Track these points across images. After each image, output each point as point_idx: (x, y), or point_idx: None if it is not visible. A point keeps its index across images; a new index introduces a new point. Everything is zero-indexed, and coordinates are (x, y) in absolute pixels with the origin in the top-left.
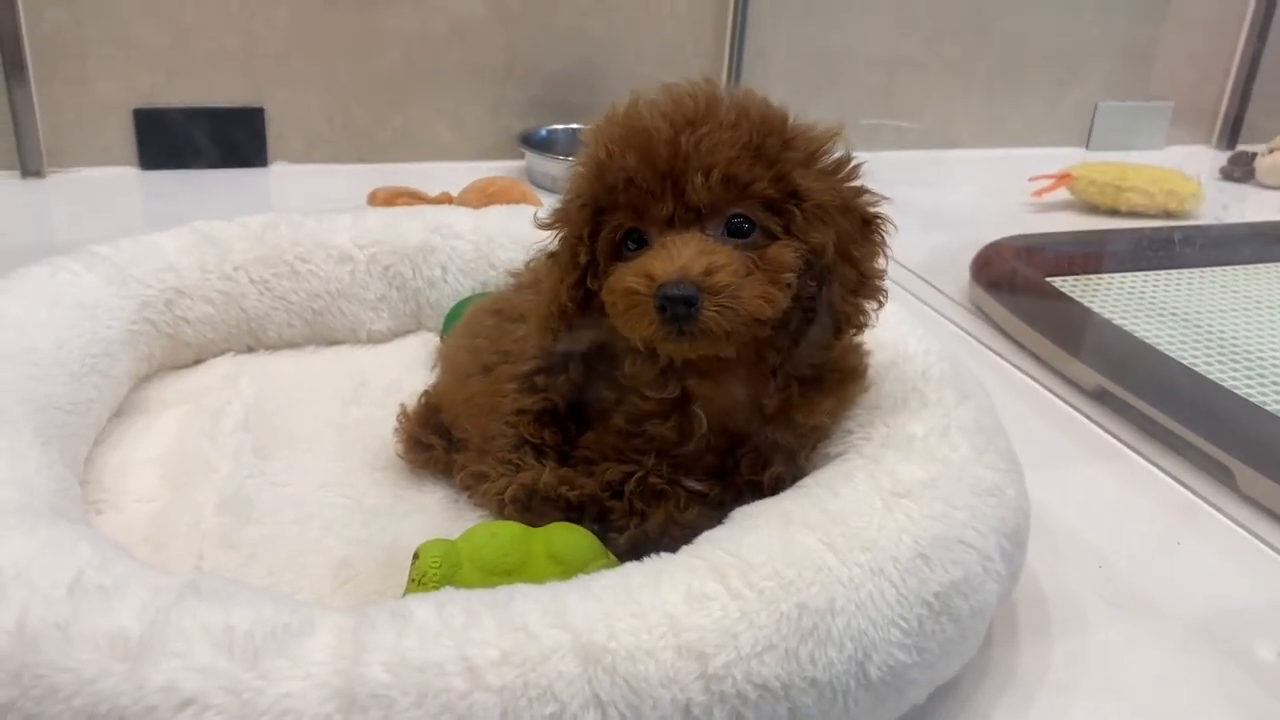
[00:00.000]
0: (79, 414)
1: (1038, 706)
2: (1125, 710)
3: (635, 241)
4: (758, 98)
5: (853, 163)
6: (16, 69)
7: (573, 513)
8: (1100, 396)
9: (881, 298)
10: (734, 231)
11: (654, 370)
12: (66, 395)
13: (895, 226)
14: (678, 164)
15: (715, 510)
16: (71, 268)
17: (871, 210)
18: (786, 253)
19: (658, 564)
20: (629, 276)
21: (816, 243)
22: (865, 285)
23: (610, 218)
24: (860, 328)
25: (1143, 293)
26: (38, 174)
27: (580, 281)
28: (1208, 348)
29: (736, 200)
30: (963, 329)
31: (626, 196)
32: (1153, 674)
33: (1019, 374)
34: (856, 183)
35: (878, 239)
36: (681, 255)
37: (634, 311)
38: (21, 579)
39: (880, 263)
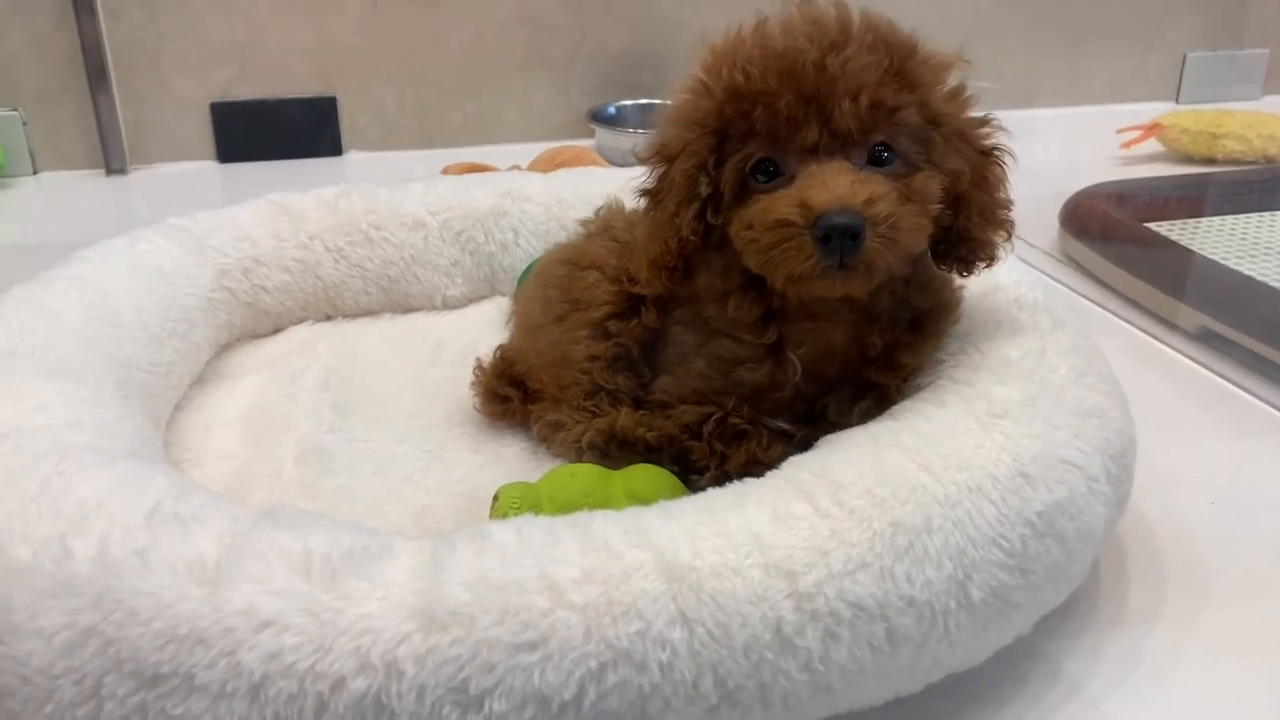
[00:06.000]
0: (159, 375)
1: (1153, 642)
2: (1245, 644)
3: (765, 174)
4: (884, 18)
5: (969, 91)
6: (99, 75)
7: (651, 454)
8: (1204, 338)
9: (1009, 229)
10: (875, 160)
11: (757, 312)
12: (147, 356)
13: (1014, 156)
14: (824, 87)
15: (800, 450)
16: (150, 238)
17: (990, 141)
18: (932, 182)
19: (741, 487)
20: (780, 206)
21: (953, 169)
22: (996, 214)
23: (739, 146)
24: (992, 260)
25: (1244, 234)
26: (121, 171)
27: (700, 214)
28: None
29: (882, 127)
30: (1055, 279)
31: (763, 122)
32: (1271, 609)
33: (1116, 320)
34: (976, 111)
35: (999, 169)
36: (838, 184)
37: (784, 246)
38: (102, 510)
39: (1005, 191)
